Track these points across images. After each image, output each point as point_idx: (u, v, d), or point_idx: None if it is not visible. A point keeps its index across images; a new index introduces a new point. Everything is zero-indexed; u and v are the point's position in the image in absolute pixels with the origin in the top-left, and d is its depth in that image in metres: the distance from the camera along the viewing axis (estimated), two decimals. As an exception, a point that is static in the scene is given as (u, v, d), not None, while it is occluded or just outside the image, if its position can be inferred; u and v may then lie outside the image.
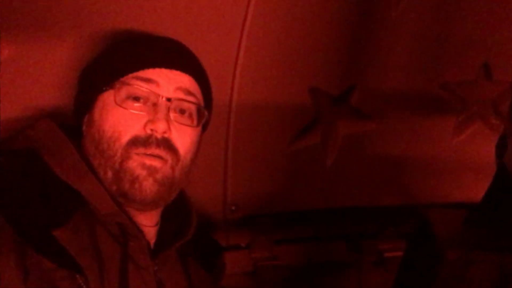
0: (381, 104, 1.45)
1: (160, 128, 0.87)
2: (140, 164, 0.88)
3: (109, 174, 0.88)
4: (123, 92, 0.90)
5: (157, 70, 0.91)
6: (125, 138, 0.88)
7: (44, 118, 0.93)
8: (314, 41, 1.28)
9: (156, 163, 0.88)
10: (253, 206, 1.47)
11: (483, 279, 0.88)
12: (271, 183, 1.47)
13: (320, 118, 1.42)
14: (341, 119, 1.43)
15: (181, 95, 0.92)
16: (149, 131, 0.88)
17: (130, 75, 0.90)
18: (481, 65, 1.40)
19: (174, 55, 0.95)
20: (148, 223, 0.94)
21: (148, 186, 0.88)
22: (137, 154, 0.88)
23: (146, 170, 0.88)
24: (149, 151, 0.88)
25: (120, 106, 0.89)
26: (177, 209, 1.00)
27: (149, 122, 0.88)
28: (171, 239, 0.95)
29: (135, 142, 0.88)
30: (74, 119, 0.97)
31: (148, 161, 0.88)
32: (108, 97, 0.91)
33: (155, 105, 0.89)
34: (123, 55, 0.94)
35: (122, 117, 0.88)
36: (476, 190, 1.59)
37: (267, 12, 1.18)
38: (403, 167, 1.57)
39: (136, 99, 0.90)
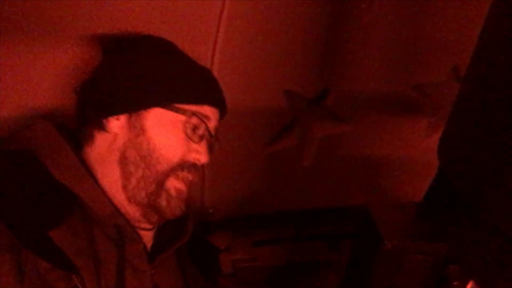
0: (355, 107, 1.47)
1: (204, 161, 0.96)
2: (177, 185, 0.94)
3: (153, 186, 0.91)
4: (185, 117, 0.93)
5: (213, 108, 0.99)
6: (176, 159, 0.93)
7: (41, 119, 0.94)
8: (289, 45, 1.30)
9: (185, 186, 0.95)
10: (231, 209, 1.48)
11: (418, 266, 0.94)
12: (248, 185, 1.49)
13: (296, 120, 1.44)
14: (317, 122, 1.46)
15: (215, 132, 1.01)
16: (192, 160, 0.95)
17: (195, 106, 0.95)
18: (450, 68, 1.43)
19: (222, 98, 1.03)
20: (146, 226, 0.96)
21: (179, 206, 0.94)
22: (177, 176, 0.93)
23: (178, 192, 0.94)
24: (190, 177, 0.95)
25: (178, 128, 0.93)
26: None
27: (196, 153, 0.95)
28: (168, 242, 0.97)
29: (182, 166, 0.93)
30: (93, 112, 0.94)
31: (180, 185, 0.94)
32: (165, 114, 0.93)
33: (201, 137, 0.96)
34: (193, 81, 0.97)
35: (177, 140, 0.93)
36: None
37: (241, 15, 1.19)
38: (377, 168, 1.61)
39: (192, 128, 0.95)
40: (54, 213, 0.83)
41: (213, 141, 1.00)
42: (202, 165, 1.28)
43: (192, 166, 0.94)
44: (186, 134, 0.93)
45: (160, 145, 0.91)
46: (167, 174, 0.91)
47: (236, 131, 1.38)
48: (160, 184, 0.91)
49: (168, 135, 0.92)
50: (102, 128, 0.92)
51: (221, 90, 1.02)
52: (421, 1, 1.32)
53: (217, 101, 1.00)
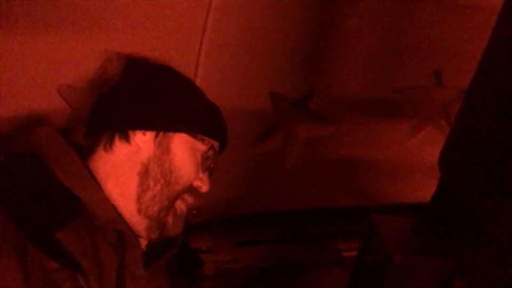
0: (339, 109, 1.49)
1: (205, 190, 1.01)
2: (182, 207, 0.99)
3: (166, 203, 0.95)
4: (203, 148, 1.00)
5: (217, 143, 1.04)
6: (187, 183, 0.98)
7: (44, 125, 0.97)
8: (274, 47, 1.31)
9: (186, 209, 1.01)
10: (214, 210, 1.48)
11: (425, 281, 0.97)
12: (232, 187, 1.49)
13: (280, 122, 1.45)
14: (300, 123, 1.47)
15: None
16: (198, 187, 1.00)
17: (208, 140, 1.01)
18: (432, 72, 1.46)
19: (227, 135, 1.09)
20: (143, 237, 0.98)
21: (180, 226, 1.00)
22: (183, 198, 0.99)
23: (183, 214, 1.01)
24: (190, 200, 1.01)
25: (194, 154, 0.99)
26: None
27: (201, 181, 1.00)
28: (160, 250, 0.99)
29: (188, 189, 0.99)
30: (120, 121, 0.97)
31: (185, 208, 1.00)
32: (188, 140, 0.99)
33: (208, 167, 1.03)
34: (212, 116, 1.05)
35: (194, 166, 0.99)
36: (426, 190, 1.67)
37: (227, 17, 1.20)
38: (359, 170, 1.63)
39: (202, 154, 1.01)
40: (60, 215, 0.85)
41: (212, 173, 1.06)
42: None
43: (196, 192, 1.00)
44: (199, 163, 0.99)
45: (180, 167, 0.96)
46: (179, 195, 0.97)
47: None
48: (172, 203, 0.96)
49: (189, 160, 0.98)
50: (125, 138, 0.95)
51: (226, 126, 1.09)
52: (404, 7, 1.34)
53: (223, 138, 1.07)
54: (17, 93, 1.06)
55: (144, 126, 0.95)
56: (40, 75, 1.07)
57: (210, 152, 1.01)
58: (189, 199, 1.00)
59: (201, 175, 1.00)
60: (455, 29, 1.39)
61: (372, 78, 1.46)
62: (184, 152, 0.97)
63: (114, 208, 0.91)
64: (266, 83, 1.38)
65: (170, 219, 0.97)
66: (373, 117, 1.53)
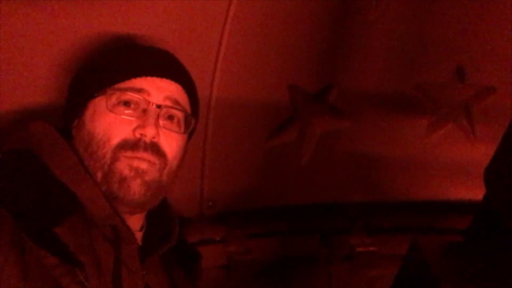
0: (357, 103, 1.47)
1: (149, 133, 0.90)
2: (128, 165, 0.90)
3: (99, 175, 0.90)
4: (115, 98, 0.92)
5: (148, 78, 0.94)
6: (115, 141, 0.91)
7: (39, 120, 0.95)
8: (294, 40, 1.29)
9: (144, 166, 0.91)
10: (229, 202, 1.48)
11: None
12: (247, 179, 1.49)
13: (297, 115, 1.44)
14: (318, 117, 1.45)
15: (170, 102, 0.95)
16: (138, 136, 0.91)
17: (122, 83, 0.93)
18: (455, 68, 1.43)
19: (165, 65, 0.98)
20: (135, 227, 0.96)
21: (136, 187, 0.90)
22: (126, 156, 0.90)
23: (134, 172, 0.90)
24: (137, 155, 0.90)
25: (111, 111, 0.92)
26: (160, 215, 1.02)
27: (139, 127, 0.91)
28: (156, 244, 0.97)
29: (124, 145, 0.91)
30: (63, 122, 0.99)
31: (136, 163, 0.90)
32: (99, 102, 0.93)
33: (145, 111, 0.92)
34: (115, 62, 0.96)
35: (112, 122, 0.91)
36: (443, 188, 1.66)
37: (248, 10, 1.18)
38: (375, 165, 1.61)
39: (127, 104, 0.92)
40: (57, 210, 0.84)
41: (172, 112, 0.95)
42: (203, 158, 1.28)
43: (138, 144, 0.90)
44: (114, 113, 0.91)
45: (96, 132, 0.91)
46: (112, 158, 0.90)
47: (237, 125, 1.38)
48: (107, 169, 0.90)
49: (100, 121, 0.92)
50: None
51: (164, 58, 0.99)
52: (427, 1, 1.31)
53: (149, 71, 0.94)
54: (11, 87, 1.05)
55: (69, 119, 0.98)
56: (35, 68, 1.07)
57: (124, 96, 0.92)
58: (142, 155, 0.90)
59: (138, 122, 0.91)
60: (480, 26, 1.37)
61: (393, 73, 1.44)
62: (95, 116, 0.93)
63: (109, 203, 0.89)
64: (285, 76, 1.36)
65: (115, 185, 0.89)
66: (392, 113, 1.51)
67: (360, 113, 1.49)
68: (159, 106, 0.92)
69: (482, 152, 1.38)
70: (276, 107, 1.40)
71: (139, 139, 0.90)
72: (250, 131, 1.41)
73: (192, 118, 0.99)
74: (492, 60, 1.42)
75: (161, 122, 0.93)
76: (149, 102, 0.92)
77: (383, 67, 1.43)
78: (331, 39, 1.35)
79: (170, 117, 0.95)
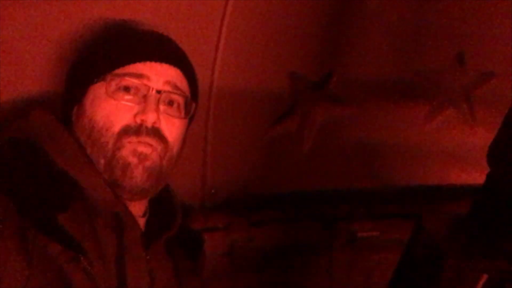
0: (358, 90, 1.48)
1: (150, 118, 0.90)
2: (132, 151, 0.90)
3: (102, 162, 0.90)
4: (114, 84, 0.92)
5: (148, 63, 0.94)
6: (117, 128, 0.90)
7: (38, 108, 0.94)
8: (294, 27, 1.29)
9: (147, 150, 0.91)
10: (231, 190, 1.49)
11: (477, 283, 0.95)
12: (249, 167, 1.49)
13: (298, 103, 1.44)
14: (318, 105, 1.46)
15: (170, 88, 0.95)
16: (139, 121, 0.91)
17: (121, 68, 0.93)
18: (455, 54, 1.44)
19: (164, 49, 0.97)
20: (138, 213, 0.96)
21: (139, 173, 0.91)
22: (130, 142, 0.90)
23: (137, 158, 0.90)
24: (141, 139, 0.91)
25: (112, 97, 0.91)
26: (162, 201, 1.02)
27: (139, 113, 0.91)
28: (158, 230, 0.98)
29: (127, 131, 0.91)
30: (63, 109, 0.98)
31: (140, 148, 0.91)
32: (99, 88, 0.93)
33: (145, 96, 0.92)
34: (114, 48, 0.96)
35: (113, 108, 0.91)
36: (444, 173, 1.66)
37: (247, -3, 1.18)
38: (376, 151, 1.62)
39: (127, 90, 0.92)
40: (60, 198, 0.84)
41: (172, 97, 0.95)
42: (205, 147, 1.27)
43: (140, 129, 0.90)
44: (114, 99, 0.91)
45: (97, 119, 0.91)
46: (115, 145, 0.90)
47: (239, 113, 1.38)
48: (110, 156, 0.90)
49: (100, 107, 0.92)
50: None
51: (163, 43, 0.98)
52: (426, -14, 1.32)
53: (149, 56, 0.94)
54: (10, 76, 1.05)
55: (68, 105, 0.97)
56: (34, 56, 1.06)
57: (124, 82, 0.92)
58: (146, 140, 0.91)
59: (138, 108, 0.91)
60: (480, 12, 1.36)
61: (393, 60, 1.44)
62: (95, 102, 0.92)
63: (111, 190, 0.90)
64: (285, 64, 1.36)
65: (118, 172, 0.90)
66: (392, 99, 1.51)
67: (360, 100, 1.49)
68: (159, 92, 0.92)
69: (482, 137, 1.39)
70: (277, 95, 1.40)
71: (141, 125, 0.90)
72: (251, 119, 1.41)
73: (192, 103, 0.99)
74: (492, 45, 1.42)
75: (161, 107, 0.93)
76: (149, 88, 0.92)
77: (383, 54, 1.43)
78: (331, 26, 1.34)
79: (170, 102, 0.95)
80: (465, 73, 1.46)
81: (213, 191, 1.45)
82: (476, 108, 1.51)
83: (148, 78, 0.93)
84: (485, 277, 0.93)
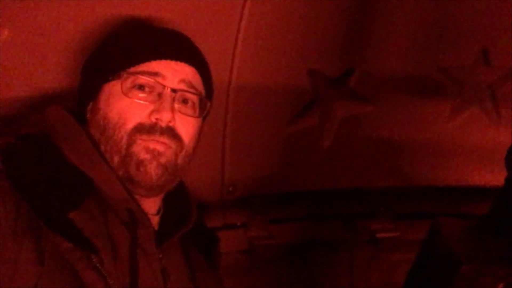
0: (379, 87, 1.45)
1: (165, 117, 0.91)
2: (145, 148, 0.91)
3: (116, 159, 0.91)
4: (129, 82, 0.93)
5: (163, 62, 0.94)
6: (130, 125, 0.91)
7: (54, 104, 0.95)
8: (313, 24, 1.28)
9: (160, 147, 0.91)
10: (250, 187, 1.49)
11: None
12: (268, 164, 1.48)
13: (318, 100, 1.43)
14: (339, 102, 1.44)
15: (185, 86, 0.95)
16: (154, 120, 0.91)
17: (137, 66, 0.93)
18: (479, 51, 1.40)
19: (179, 47, 0.97)
20: (151, 211, 0.97)
21: (153, 170, 0.91)
22: (142, 139, 0.91)
23: (150, 154, 0.91)
24: (154, 138, 0.91)
25: (126, 95, 0.92)
26: (177, 199, 1.03)
27: (154, 112, 0.91)
28: (173, 228, 0.98)
29: (140, 129, 0.91)
30: (77, 106, 0.99)
31: (152, 145, 0.91)
32: (114, 86, 0.94)
33: (160, 95, 0.92)
34: (129, 46, 0.96)
35: (127, 106, 0.92)
36: (467, 173, 1.63)
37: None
38: (397, 150, 1.59)
39: (142, 88, 0.93)
40: (72, 195, 0.85)
41: (187, 96, 0.95)
42: (223, 143, 1.27)
43: (154, 128, 0.91)
44: (129, 97, 0.91)
45: (111, 117, 0.92)
46: (128, 142, 0.90)
47: (257, 110, 1.38)
48: (124, 153, 0.90)
49: (114, 105, 0.92)
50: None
51: (178, 41, 0.98)
52: (450, -18, 1.29)
53: (164, 54, 0.94)
54: (26, 72, 1.06)
55: (84, 103, 0.98)
56: (50, 52, 1.07)
57: (140, 80, 0.92)
58: (159, 138, 0.91)
59: (153, 106, 0.92)
60: (504, 8, 1.33)
61: (415, 56, 1.42)
62: (110, 100, 0.93)
63: (124, 187, 0.90)
64: (305, 60, 1.35)
65: (132, 168, 0.90)
66: (415, 97, 1.48)
67: (382, 97, 1.47)
68: (174, 90, 0.92)
69: (507, 136, 1.35)
70: (296, 92, 1.39)
71: (155, 124, 0.91)
72: (270, 116, 1.41)
73: (207, 101, 0.99)
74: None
75: (176, 106, 0.93)
76: (164, 86, 0.92)
77: (406, 50, 1.40)
78: (352, 22, 1.33)
79: (185, 101, 0.95)
80: (490, 71, 1.42)
81: (231, 188, 1.45)
82: (501, 107, 1.47)
83: (163, 77, 0.93)
84: (501, 285, 0.91)
